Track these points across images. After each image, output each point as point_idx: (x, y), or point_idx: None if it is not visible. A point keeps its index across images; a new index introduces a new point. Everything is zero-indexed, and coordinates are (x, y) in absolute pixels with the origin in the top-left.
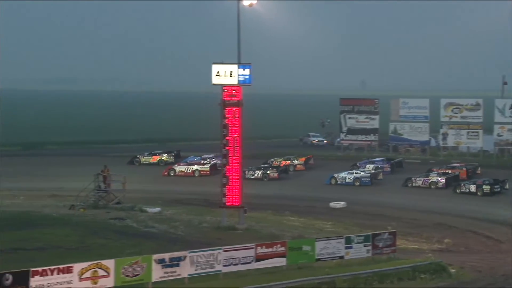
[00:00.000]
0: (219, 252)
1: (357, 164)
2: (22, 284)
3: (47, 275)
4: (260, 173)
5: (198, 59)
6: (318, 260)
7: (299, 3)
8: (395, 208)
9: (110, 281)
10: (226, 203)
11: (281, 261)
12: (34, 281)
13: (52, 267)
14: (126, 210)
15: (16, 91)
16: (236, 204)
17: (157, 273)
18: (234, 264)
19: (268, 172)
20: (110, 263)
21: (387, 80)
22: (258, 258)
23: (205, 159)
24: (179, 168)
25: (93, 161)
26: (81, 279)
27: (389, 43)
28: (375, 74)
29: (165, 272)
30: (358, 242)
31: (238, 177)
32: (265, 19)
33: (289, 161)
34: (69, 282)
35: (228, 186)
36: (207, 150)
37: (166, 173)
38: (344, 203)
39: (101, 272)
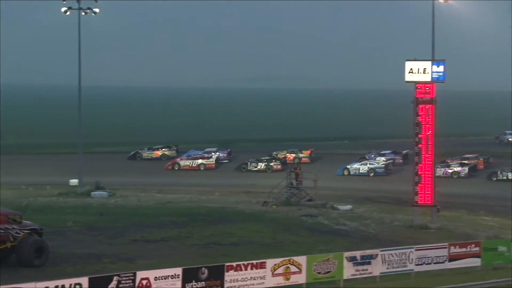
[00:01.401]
0: (411, 251)
1: (366, 156)
2: (217, 278)
3: (241, 270)
4: (263, 165)
5: (391, 56)
6: None
7: None
8: None
9: (302, 277)
10: (418, 202)
11: (475, 262)
12: (229, 275)
13: (245, 262)
14: (317, 207)
15: (222, 89)
16: (429, 202)
17: (348, 271)
18: (427, 264)
19: (272, 164)
20: (302, 259)
21: None
22: (452, 258)
23: (208, 152)
24: (183, 162)
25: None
26: (273, 275)
27: None
28: None
29: (356, 270)
30: None
31: (430, 175)
32: (459, 15)
33: (294, 154)
34: (262, 278)
35: (420, 185)
36: (397, 148)
37: (170, 167)
38: None
39: (293, 269)
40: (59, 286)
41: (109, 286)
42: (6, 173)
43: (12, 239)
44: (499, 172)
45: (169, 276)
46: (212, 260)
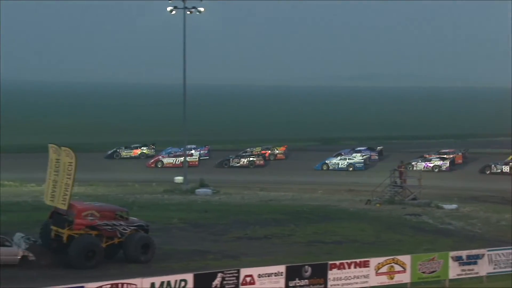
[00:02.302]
0: None
1: (341, 153)
2: (320, 276)
3: (344, 268)
4: (245, 161)
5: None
6: None
7: None
8: None
9: (406, 276)
10: None
11: None
12: (332, 273)
13: (349, 261)
14: (422, 206)
15: (325, 87)
16: None
17: (454, 271)
18: None
19: (254, 159)
20: (406, 258)
21: None
22: None
23: (189, 149)
24: (166, 160)
25: (388, 157)
26: (377, 274)
27: None
28: None
29: (462, 270)
30: None
31: None
32: None
33: (269, 151)
34: (366, 276)
35: None
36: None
37: (153, 165)
38: None
39: (397, 268)
40: (165, 282)
41: (214, 283)
42: (115, 170)
43: (119, 235)
44: (493, 165)
45: (272, 273)
46: (315, 258)
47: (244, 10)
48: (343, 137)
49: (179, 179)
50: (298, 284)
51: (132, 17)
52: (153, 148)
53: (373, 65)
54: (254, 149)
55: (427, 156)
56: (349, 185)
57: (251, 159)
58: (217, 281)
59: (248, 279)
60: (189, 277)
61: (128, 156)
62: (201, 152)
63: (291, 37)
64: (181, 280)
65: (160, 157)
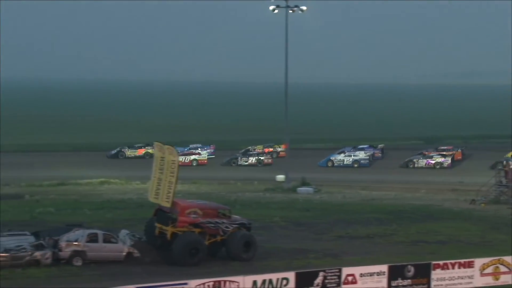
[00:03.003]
0: None
1: (344, 150)
2: (423, 276)
3: (448, 268)
4: (254, 159)
5: None
6: None
7: None
8: None
9: None
10: None
11: None
12: (436, 274)
13: (453, 261)
14: None
15: (424, 86)
16: None
17: None
18: None
19: (262, 158)
20: None
21: None
22: None
23: (196, 148)
24: None
25: (491, 156)
26: (482, 275)
27: None
28: None
29: None
30: None
31: None
32: None
33: (272, 148)
34: (470, 277)
35: None
36: None
37: None
38: None
39: (502, 268)
40: (267, 281)
41: (315, 282)
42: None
43: (222, 233)
44: (504, 162)
45: (374, 273)
46: (418, 258)
47: (346, 8)
48: (448, 135)
49: (280, 177)
50: (400, 284)
51: (233, 16)
52: None
53: (471, 63)
54: (256, 147)
55: (426, 153)
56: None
57: (261, 158)
58: (319, 280)
59: (350, 278)
60: (291, 275)
61: (133, 155)
62: (208, 151)
63: (393, 35)
64: (283, 279)
65: None
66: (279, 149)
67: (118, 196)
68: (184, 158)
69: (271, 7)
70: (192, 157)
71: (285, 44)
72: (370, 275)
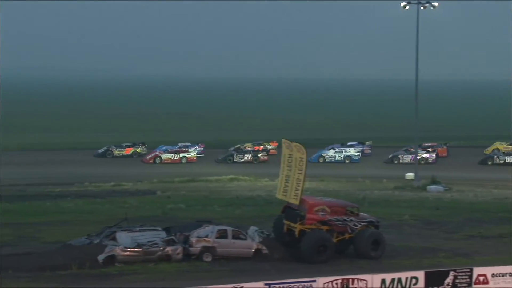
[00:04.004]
0: None
1: (334, 148)
2: None
3: None
4: (250, 156)
5: None
6: None
7: None
8: None
9: None
10: None
11: None
12: None
13: None
14: None
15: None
16: None
17: None
18: None
19: (259, 155)
20: None
21: None
22: None
23: (185, 146)
24: (165, 156)
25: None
26: None
27: None
28: None
29: None
30: None
31: None
32: None
33: (262, 146)
34: None
35: None
36: None
37: (151, 161)
38: None
39: None
40: (396, 279)
41: (446, 281)
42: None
43: (350, 231)
44: (495, 156)
45: (507, 273)
46: None
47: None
48: None
49: (410, 175)
50: None
51: (361, 15)
52: (145, 147)
53: None
54: (244, 144)
55: (410, 149)
56: None
57: (258, 155)
58: (449, 280)
59: (481, 278)
60: (420, 274)
61: (121, 154)
62: (197, 149)
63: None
64: (412, 278)
65: (158, 152)
66: (269, 147)
67: (247, 193)
68: (173, 156)
69: (402, 4)
70: (181, 154)
71: (416, 41)
72: (502, 276)
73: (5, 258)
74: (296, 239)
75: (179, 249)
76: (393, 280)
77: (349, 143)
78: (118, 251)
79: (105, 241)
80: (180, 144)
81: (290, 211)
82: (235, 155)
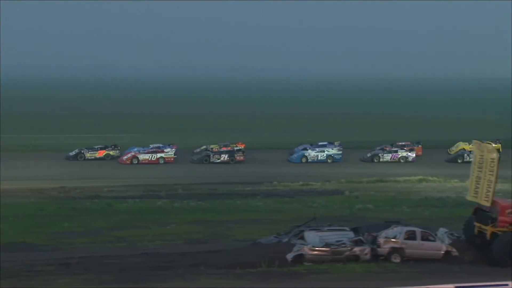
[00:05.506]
0: None
1: (306, 147)
2: None
3: None
4: (226, 156)
5: None
6: None
7: None
8: None
9: None
10: None
11: None
12: None
13: None
14: None
15: None
16: None
17: None
18: None
19: (235, 155)
20: None
21: None
22: None
23: (158, 147)
24: (142, 156)
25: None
26: None
27: None
28: None
29: None
30: None
31: None
32: None
33: (229, 147)
34: None
35: None
36: None
37: (128, 162)
38: None
39: None
40: None
41: None
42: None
43: None
44: (465, 154)
45: None
46: None
47: None
48: None
49: None
50: None
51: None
52: (118, 149)
53: None
54: (211, 146)
55: (386, 148)
56: None
57: (236, 155)
58: None
59: None
60: None
61: (93, 157)
62: (173, 149)
63: None
64: None
65: (134, 153)
66: (236, 148)
67: (436, 194)
68: (150, 156)
69: None
70: (159, 155)
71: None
72: None
73: (197, 255)
74: (487, 242)
75: (367, 249)
76: None
77: (320, 143)
78: (306, 250)
79: (293, 240)
80: (151, 146)
81: (481, 213)
82: (211, 155)
